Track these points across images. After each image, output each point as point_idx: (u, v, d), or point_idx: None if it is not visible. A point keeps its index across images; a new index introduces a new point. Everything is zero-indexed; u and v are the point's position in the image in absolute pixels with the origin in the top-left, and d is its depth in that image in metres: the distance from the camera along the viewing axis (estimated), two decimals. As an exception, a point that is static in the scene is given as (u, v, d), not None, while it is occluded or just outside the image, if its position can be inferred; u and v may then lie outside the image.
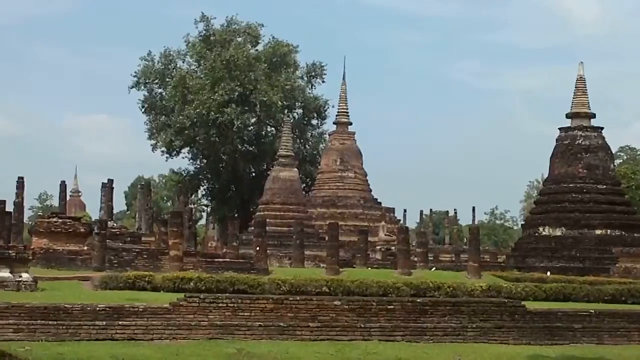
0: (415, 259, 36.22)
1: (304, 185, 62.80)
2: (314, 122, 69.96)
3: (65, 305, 16.95)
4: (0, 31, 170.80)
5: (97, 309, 16.96)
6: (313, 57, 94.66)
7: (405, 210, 73.77)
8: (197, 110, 59.91)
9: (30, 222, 69.78)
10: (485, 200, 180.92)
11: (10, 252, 23.59)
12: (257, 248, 33.86)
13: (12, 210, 46.88)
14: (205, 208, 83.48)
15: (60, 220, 37.04)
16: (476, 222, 75.18)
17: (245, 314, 17.81)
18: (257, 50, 65.59)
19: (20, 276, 23.25)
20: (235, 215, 62.52)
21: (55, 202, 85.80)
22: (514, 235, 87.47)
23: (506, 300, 20.60)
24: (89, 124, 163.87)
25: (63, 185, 65.50)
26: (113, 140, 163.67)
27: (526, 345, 18.50)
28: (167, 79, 65.75)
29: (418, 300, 19.71)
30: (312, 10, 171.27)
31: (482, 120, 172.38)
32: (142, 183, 71.08)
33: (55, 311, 16.73)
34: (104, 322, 16.78)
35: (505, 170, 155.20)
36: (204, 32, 64.89)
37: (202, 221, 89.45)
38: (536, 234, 42.44)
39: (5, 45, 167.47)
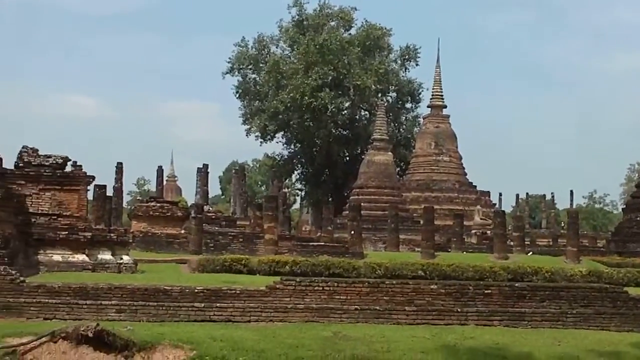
0: (512, 243, 35.67)
1: (398, 169, 62.55)
2: (408, 105, 69.67)
3: (165, 287, 17.29)
4: (97, 21, 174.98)
5: (196, 291, 17.23)
6: (406, 40, 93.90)
7: (500, 194, 72.77)
8: (291, 95, 60.20)
9: (129, 207, 71.54)
10: (584, 184, 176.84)
11: (111, 235, 24.23)
12: (352, 232, 33.84)
13: (111, 194, 48.04)
14: (299, 192, 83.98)
15: (159, 205, 37.96)
16: (574, 206, 73.54)
17: (342, 297, 17.80)
18: (350, 34, 65.50)
19: (122, 258, 23.88)
20: (329, 199, 62.77)
21: (152, 186, 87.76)
22: (614, 220, 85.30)
23: (607, 286, 20.02)
24: (184, 110, 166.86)
25: (160, 170, 66.96)
26: (207, 126, 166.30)
27: (628, 333, 17.99)
28: (261, 65, 66.26)
29: (516, 284, 19.36)
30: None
31: (581, 101, 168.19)
32: (237, 168, 71.90)
33: (156, 293, 17.08)
34: (202, 304, 17.04)
35: (605, 153, 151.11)
36: (297, 17, 65.13)
37: (296, 205, 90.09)
38: (638, 218, 41.18)
39: (103, 34, 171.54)
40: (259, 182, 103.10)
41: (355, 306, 17.69)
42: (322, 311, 17.49)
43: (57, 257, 23.20)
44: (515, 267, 24.45)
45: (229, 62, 66.90)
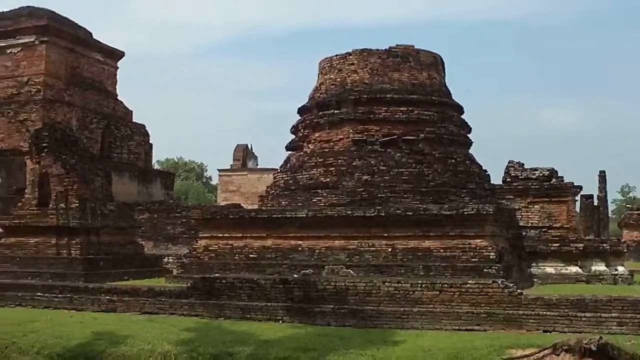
0: None
1: None
2: None
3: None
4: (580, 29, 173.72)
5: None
6: None
7: None
8: None
9: (614, 216, 69.61)
10: None
11: (604, 245, 23.64)
12: None
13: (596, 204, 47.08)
14: None
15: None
16: None
17: None
18: None
19: (616, 269, 23.22)
20: None
21: (637, 193, 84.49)
22: None
23: None
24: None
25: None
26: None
27: None
28: None
29: None
30: None
31: None
32: None
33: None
34: None
35: None
36: None
37: None
38: None
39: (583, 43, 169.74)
40: None
41: None
42: None
43: (549, 269, 23.28)
44: None
45: None
